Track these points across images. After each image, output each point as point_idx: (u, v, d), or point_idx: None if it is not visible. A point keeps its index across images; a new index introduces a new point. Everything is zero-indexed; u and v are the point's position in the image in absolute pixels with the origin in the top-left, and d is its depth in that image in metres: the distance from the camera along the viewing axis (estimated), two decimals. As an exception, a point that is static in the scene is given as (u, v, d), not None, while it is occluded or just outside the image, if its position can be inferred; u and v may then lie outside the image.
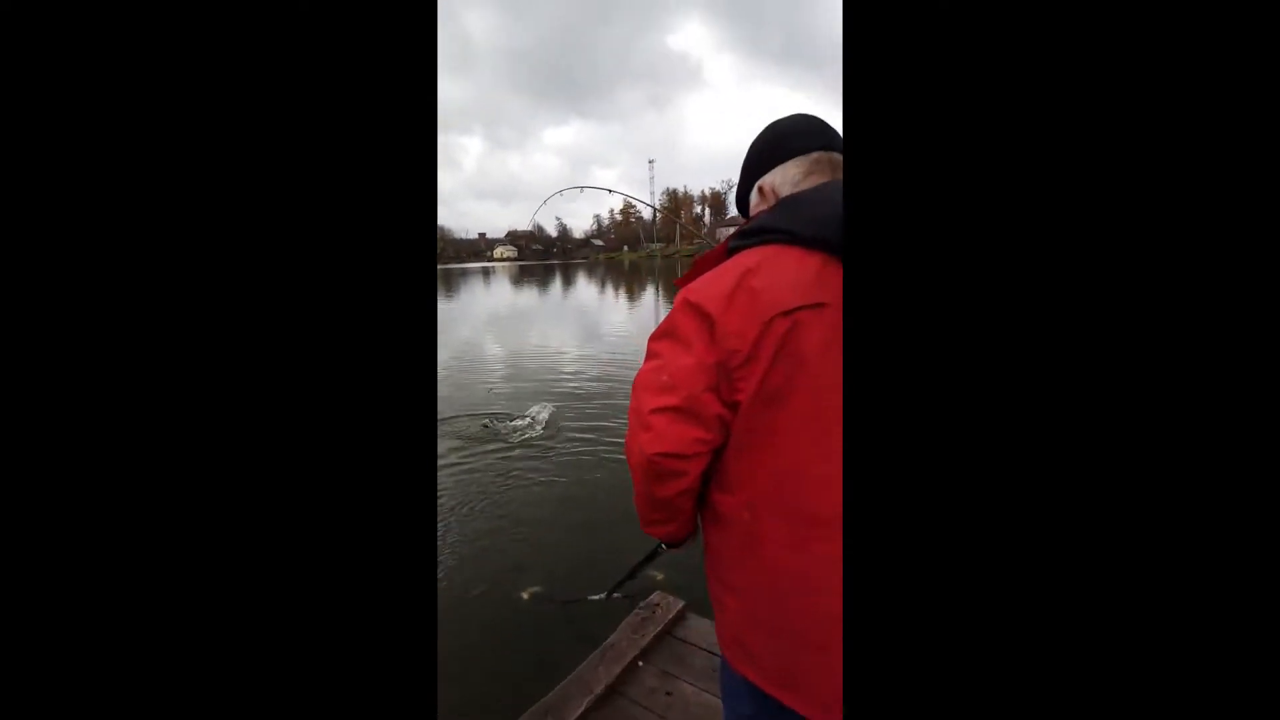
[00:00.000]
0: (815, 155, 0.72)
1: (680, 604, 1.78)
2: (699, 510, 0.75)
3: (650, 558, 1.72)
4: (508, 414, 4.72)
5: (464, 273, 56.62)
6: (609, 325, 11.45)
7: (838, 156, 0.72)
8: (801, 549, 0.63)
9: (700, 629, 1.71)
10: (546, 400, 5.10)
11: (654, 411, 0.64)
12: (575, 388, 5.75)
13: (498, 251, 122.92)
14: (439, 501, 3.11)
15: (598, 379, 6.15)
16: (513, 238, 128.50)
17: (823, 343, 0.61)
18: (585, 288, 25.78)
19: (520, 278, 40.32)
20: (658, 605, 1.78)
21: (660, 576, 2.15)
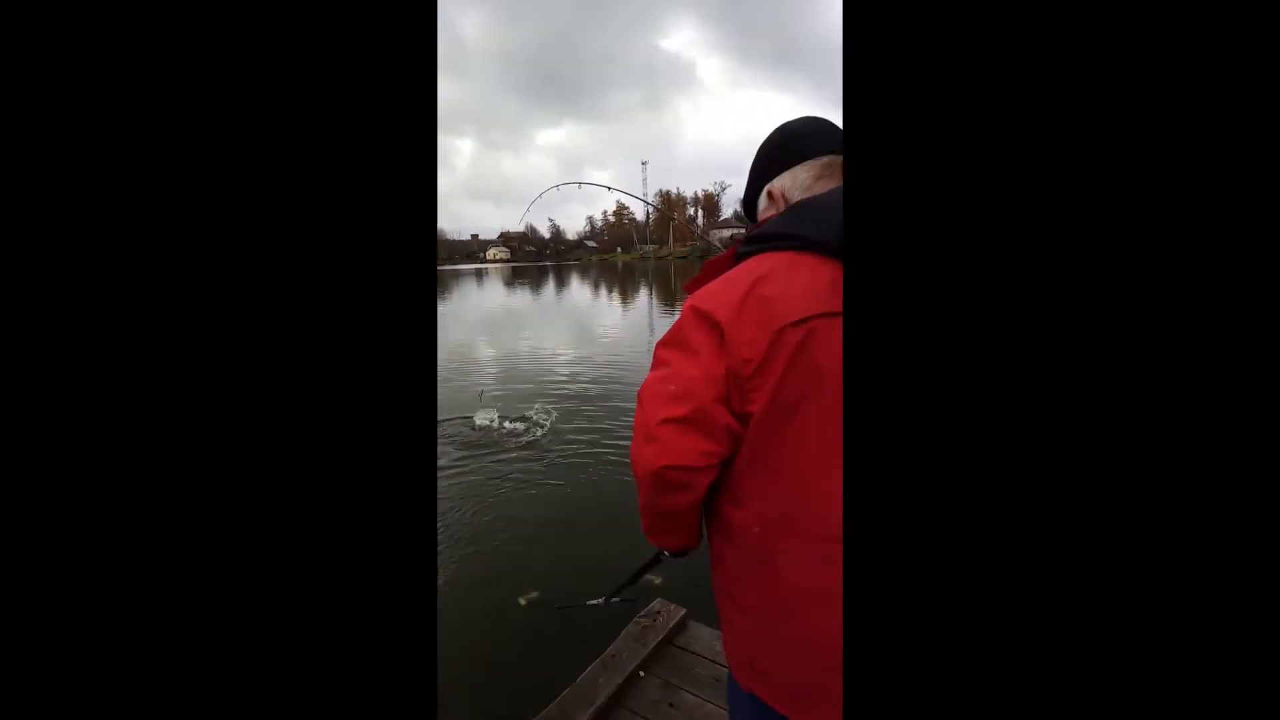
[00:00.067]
0: (826, 159, 0.70)
1: (681, 612, 1.76)
2: (706, 522, 0.73)
3: (651, 564, 1.70)
4: (504, 415, 4.69)
5: (457, 274, 56.38)
6: (602, 328, 11.42)
7: None
8: (815, 568, 0.61)
9: (702, 637, 1.69)
10: (544, 402, 5.08)
11: (661, 423, 0.61)
12: (571, 390, 5.72)
13: (490, 253, 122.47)
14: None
15: (594, 381, 6.12)
16: (506, 239, 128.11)
17: (840, 354, 0.59)
18: (579, 289, 25.74)
19: (513, 279, 40.20)
20: (659, 613, 1.76)
21: (658, 581, 2.13)
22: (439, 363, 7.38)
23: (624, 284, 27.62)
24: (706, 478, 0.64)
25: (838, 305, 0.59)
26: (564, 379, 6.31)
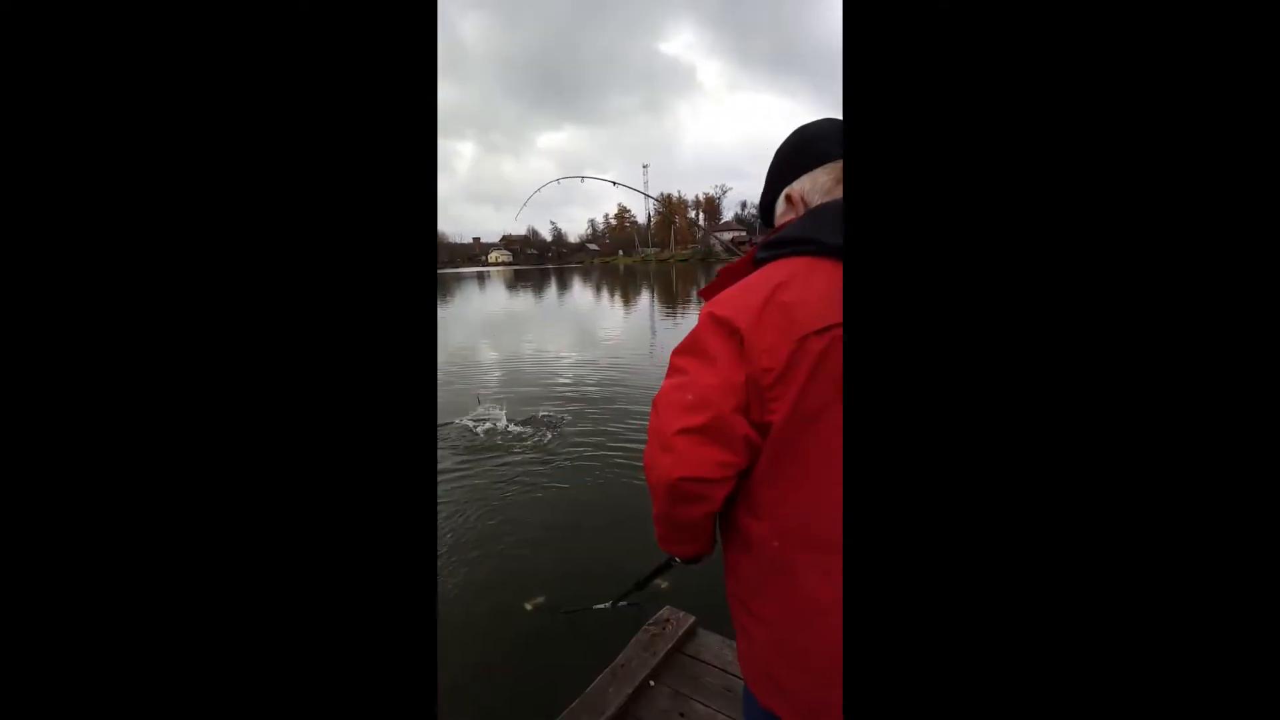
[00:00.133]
0: None
1: (691, 619, 1.74)
2: (721, 530, 0.72)
3: (661, 570, 1.68)
4: (511, 419, 4.68)
5: (458, 277, 56.49)
6: (605, 331, 11.42)
7: None
8: (836, 580, 0.60)
9: (712, 645, 1.67)
10: (549, 405, 5.06)
11: (678, 433, 0.60)
12: (576, 393, 5.71)
13: (492, 256, 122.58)
14: (438, 510, 3.06)
15: (598, 384, 6.11)
16: (507, 242, 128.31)
17: None
18: (581, 292, 25.78)
19: (515, 282, 40.27)
20: (668, 621, 1.73)
21: (665, 585, 2.10)
22: (441, 366, 7.44)
23: (625, 287, 27.68)
24: (723, 489, 0.63)
25: None
26: (568, 382, 6.30)
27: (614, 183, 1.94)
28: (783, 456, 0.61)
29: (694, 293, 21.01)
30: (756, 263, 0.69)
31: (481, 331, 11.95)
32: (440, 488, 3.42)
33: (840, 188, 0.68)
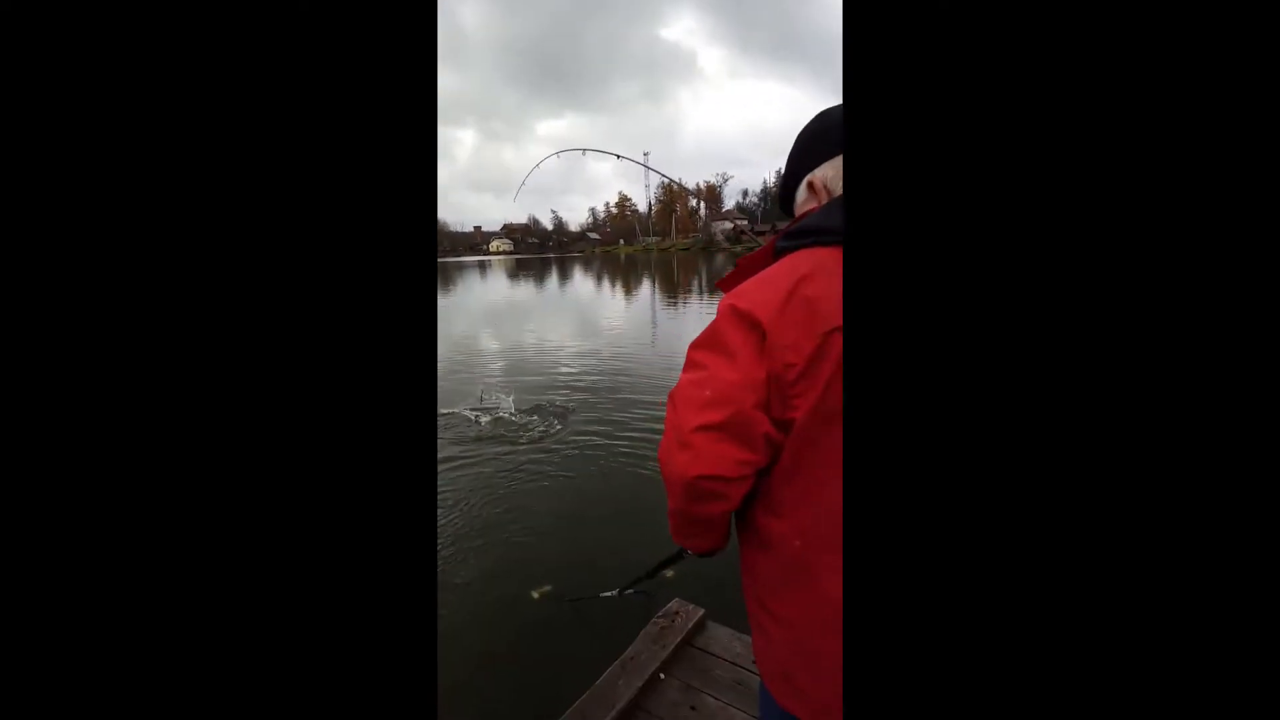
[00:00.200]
0: None
1: (700, 612, 1.73)
2: (737, 527, 0.70)
3: (672, 560, 1.67)
4: (520, 408, 4.68)
5: (460, 266, 56.41)
6: (607, 320, 11.39)
7: None
8: None
9: (721, 639, 1.66)
10: (553, 394, 5.06)
11: (696, 430, 0.58)
12: (579, 383, 5.69)
13: (493, 245, 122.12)
14: (441, 500, 3.06)
15: (601, 373, 6.09)
16: (508, 231, 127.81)
17: None
18: (582, 281, 25.70)
19: (516, 271, 40.16)
20: (677, 614, 1.72)
21: (670, 574, 2.10)
22: (445, 354, 7.44)
23: (627, 276, 27.60)
24: (742, 487, 0.61)
25: None
26: (572, 371, 6.28)
27: (618, 155, 1.90)
28: (805, 454, 0.59)
29: (695, 282, 20.95)
30: (777, 252, 0.66)
31: (484, 321, 11.94)
32: (446, 476, 3.42)
33: None
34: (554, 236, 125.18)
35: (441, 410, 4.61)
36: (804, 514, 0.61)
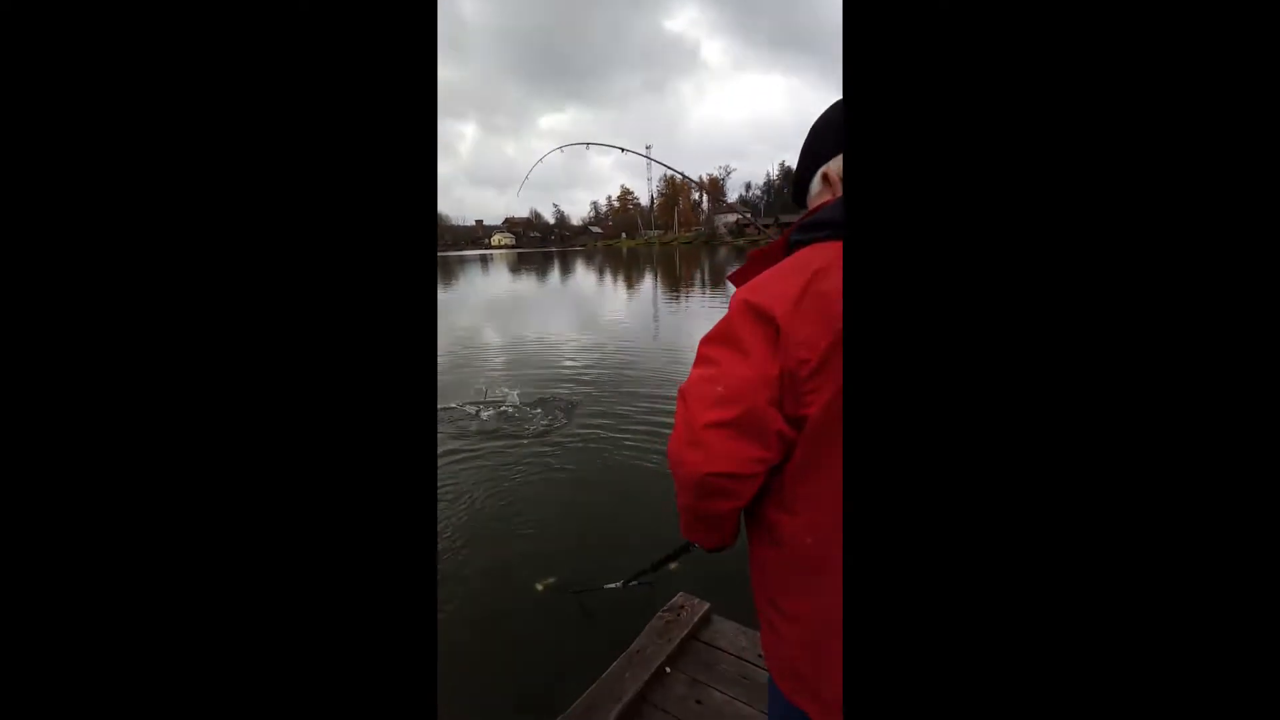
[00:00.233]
0: None
1: (705, 606, 1.72)
2: (749, 524, 0.69)
3: (679, 554, 1.67)
4: (524, 401, 4.69)
5: (462, 260, 56.35)
6: (609, 314, 11.39)
7: None
8: None
9: (727, 633, 1.66)
10: (556, 388, 5.05)
11: (707, 426, 0.57)
12: (583, 376, 5.69)
13: (495, 239, 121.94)
14: (445, 493, 3.07)
15: (604, 367, 6.09)
16: (510, 225, 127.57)
17: None
18: (584, 275, 25.66)
19: (518, 265, 40.12)
20: (682, 608, 1.72)
21: (673, 567, 2.10)
22: (448, 348, 7.45)
23: (629, 270, 27.54)
24: (753, 485, 0.60)
25: None
26: (575, 364, 6.28)
27: (623, 149, 1.87)
28: (818, 452, 0.58)
29: (697, 276, 20.88)
30: (791, 245, 0.65)
31: (487, 315, 11.93)
32: (450, 469, 3.42)
33: None
34: (556, 230, 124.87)
35: (445, 404, 4.61)
36: (817, 511, 0.60)
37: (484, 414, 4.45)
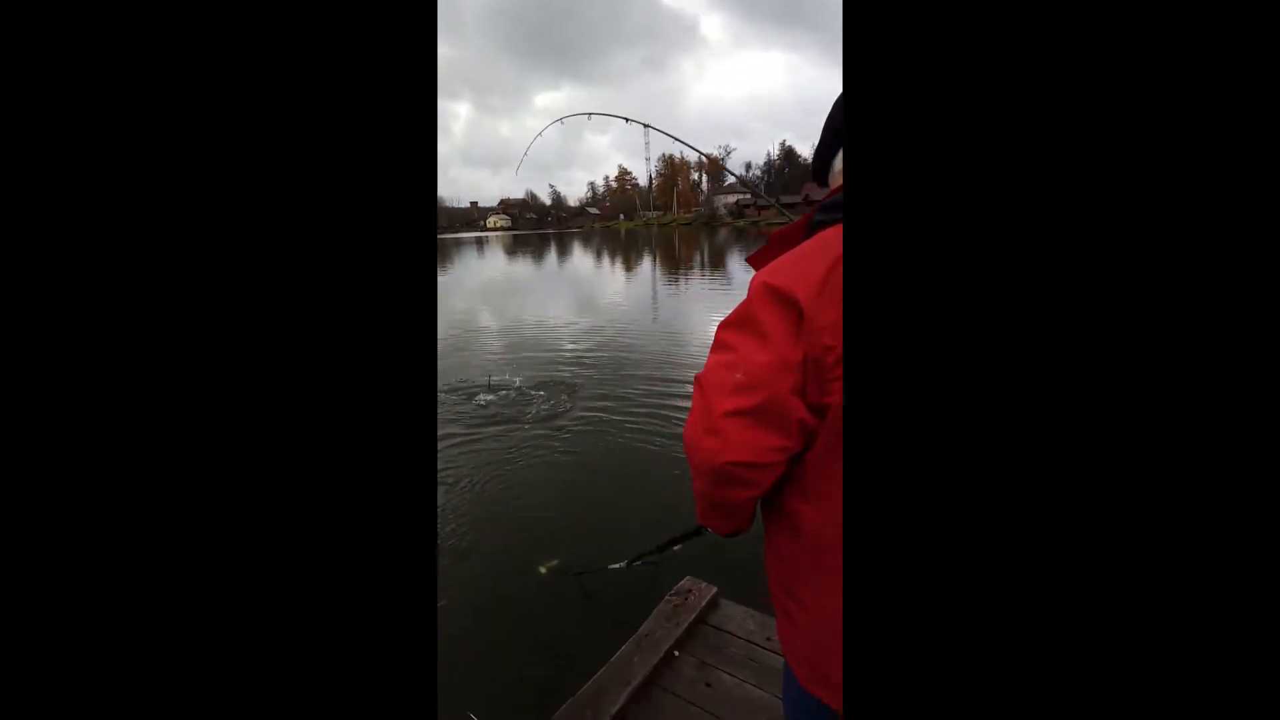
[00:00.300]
0: None
1: (713, 590, 1.73)
2: (767, 512, 0.68)
3: (689, 536, 1.66)
4: (526, 384, 4.68)
5: (457, 242, 55.88)
6: (607, 296, 11.33)
7: None
8: None
9: (735, 616, 1.66)
10: (555, 370, 5.04)
11: (726, 415, 0.55)
12: (585, 358, 5.67)
13: (491, 220, 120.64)
14: (445, 476, 3.06)
15: (604, 349, 6.06)
16: (506, 206, 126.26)
17: None
18: (581, 257, 25.50)
19: (514, 247, 39.85)
20: (690, 592, 1.72)
21: (677, 549, 2.10)
22: (446, 332, 7.43)
23: (627, 252, 27.36)
24: (773, 474, 0.59)
25: None
26: (575, 347, 6.25)
27: (627, 119, 1.82)
28: (841, 442, 0.56)
29: (697, 257, 20.75)
30: (813, 226, 0.62)
31: (483, 298, 11.85)
32: (453, 453, 3.42)
33: None
34: (552, 212, 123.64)
35: (446, 388, 4.59)
36: (839, 502, 0.58)
37: (486, 397, 4.44)
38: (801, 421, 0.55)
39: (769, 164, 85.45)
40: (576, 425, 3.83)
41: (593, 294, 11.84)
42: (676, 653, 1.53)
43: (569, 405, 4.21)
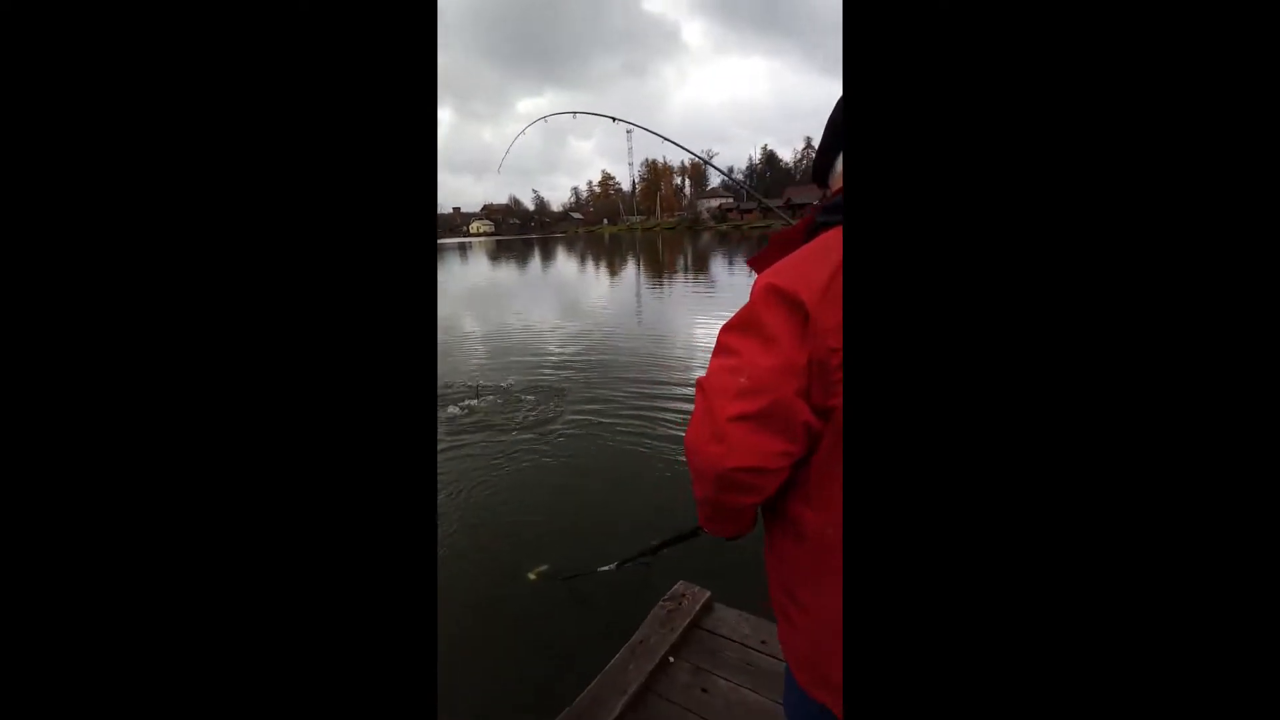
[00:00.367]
0: None
1: (706, 594, 1.71)
2: (769, 516, 0.67)
3: (686, 537, 1.64)
4: (512, 387, 4.64)
5: (440, 249, 55.41)
6: (592, 300, 11.31)
7: None
8: None
9: (729, 620, 1.65)
10: (542, 375, 5.00)
11: (731, 420, 0.54)
12: (570, 362, 5.63)
13: (473, 226, 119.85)
14: (440, 485, 3.01)
15: (591, 353, 6.03)
16: (489, 211, 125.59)
17: None
18: (565, 262, 25.43)
19: (498, 253, 39.60)
20: (683, 596, 1.71)
21: (665, 551, 2.09)
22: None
23: (611, 256, 27.37)
24: (778, 479, 0.58)
25: None
26: (563, 353, 6.21)
27: (613, 119, 1.82)
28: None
29: (680, 261, 20.82)
30: (815, 228, 0.62)
31: (466, 304, 11.76)
32: (442, 458, 3.36)
33: None
34: (536, 217, 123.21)
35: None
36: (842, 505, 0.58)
37: (472, 401, 4.39)
38: (807, 425, 0.55)
39: (751, 168, 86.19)
40: (566, 429, 3.80)
41: (578, 298, 11.81)
42: (672, 659, 1.51)
43: (558, 409, 4.18)
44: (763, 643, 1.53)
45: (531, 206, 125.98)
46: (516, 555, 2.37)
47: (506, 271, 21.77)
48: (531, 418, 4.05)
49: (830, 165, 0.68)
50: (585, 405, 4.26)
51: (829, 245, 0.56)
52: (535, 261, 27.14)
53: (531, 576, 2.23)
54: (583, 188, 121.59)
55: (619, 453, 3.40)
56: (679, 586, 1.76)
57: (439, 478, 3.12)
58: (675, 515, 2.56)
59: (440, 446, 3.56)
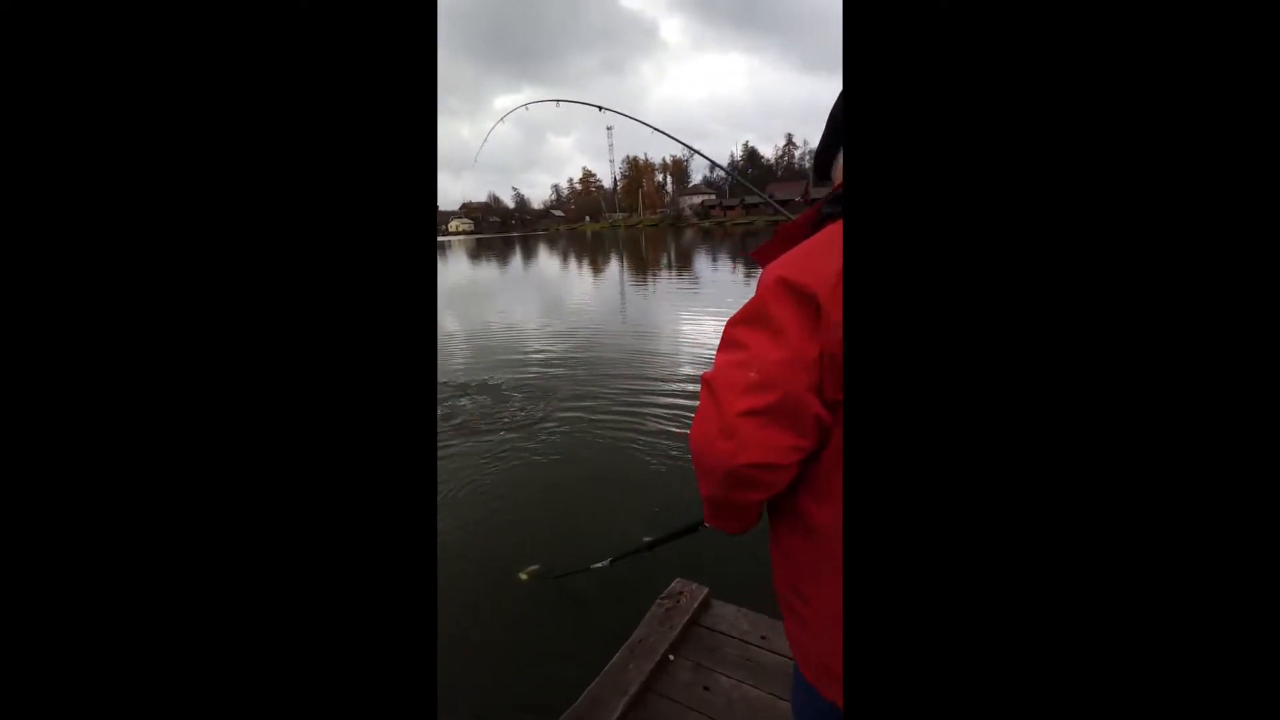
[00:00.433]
0: None
1: (704, 591, 1.70)
2: (776, 512, 0.66)
3: (686, 532, 1.63)
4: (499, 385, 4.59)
5: (419, 247, 54.55)
6: (575, 299, 11.25)
7: None
8: None
9: (728, 616, 1.64)
10: (527, 374, 4.97)
11: (741, 415, 0.53)
12: (556, 360, 5.59)
13: (453, 225, 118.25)
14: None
15: (576, 351, 5.99)
16: (468, 210, 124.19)
17: None
18: (547, 260, 25.28)
19: (478, 251, 39.22)
20: (681, 594, 1.69)
21: (658, 549, 2.07)
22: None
23: (594, 254, 27.29)
24: (789, 475, 0.57)
25: None
26: (549, 351, 6.16)
27: (600, 107, 1.79)
28: None
29: (664, 258, 20.85)
30: (822, 219, 0.61)
31: (447, 302, 11.59)
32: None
33: None
34: (516, 215, 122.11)
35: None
36: None
37: (461, 401, 4.33)
38: (817, 418, 0.54)
39: (733, 164, 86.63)
40: (555, 427, 3.77)
41: (561, 297, 11.75)
42: (671, 657, 1.49)
43: (547, 408, 4.14)
44: (763, 638, 1.52)
45: (511, 204, 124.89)
46: (513, 555, 2.34)
47: (487, 270, 21.58)
48: (520, 416, 4.01)
49: (832, 159, 0.68)
50: (573, 403, 4.22)
51: (837, 238, 0.55)
52: (517, 260, 26.94)
53: (523, 577, 2.19)
54: (563, 185, 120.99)
55: (611, 449, 3.38)
56: (676, 584, 1.74)
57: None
58: (668, 510, 2.55)
59: (441, 447, 3.50)
